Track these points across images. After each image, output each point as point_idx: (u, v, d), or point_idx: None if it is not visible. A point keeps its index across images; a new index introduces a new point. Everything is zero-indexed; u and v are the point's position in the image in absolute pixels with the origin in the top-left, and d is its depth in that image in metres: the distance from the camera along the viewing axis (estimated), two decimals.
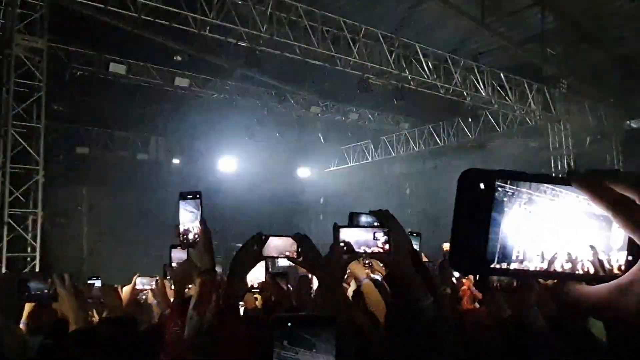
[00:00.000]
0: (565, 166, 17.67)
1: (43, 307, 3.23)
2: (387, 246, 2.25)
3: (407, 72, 14.63)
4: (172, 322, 2.50)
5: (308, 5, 12.98)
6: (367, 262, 3.79)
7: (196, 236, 2.44)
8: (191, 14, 11.60)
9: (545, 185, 0.69)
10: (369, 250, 2.28)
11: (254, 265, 2.61)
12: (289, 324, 1.17)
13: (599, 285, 0.66)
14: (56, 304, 2.51)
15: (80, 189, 15.39)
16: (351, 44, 13.61)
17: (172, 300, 2.85)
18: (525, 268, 0.68)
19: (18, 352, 2.83)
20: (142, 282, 4.52)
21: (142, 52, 14.77)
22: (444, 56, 15.20)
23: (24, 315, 3.74)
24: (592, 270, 0.69)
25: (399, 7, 13.79)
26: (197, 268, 2.36)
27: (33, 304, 3.29)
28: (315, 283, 3.90)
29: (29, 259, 11.23)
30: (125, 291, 4.04)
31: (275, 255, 2.64)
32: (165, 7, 11.30)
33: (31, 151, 11.42)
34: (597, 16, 14.29)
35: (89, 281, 4.62)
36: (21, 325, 3.66)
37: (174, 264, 3.23)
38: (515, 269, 0.68)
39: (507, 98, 16.47)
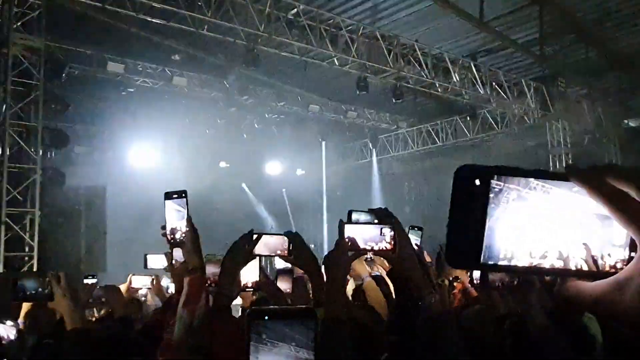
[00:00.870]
0: (564, 165, 17.66)
1: (41, 307, 3.22)
2: (392, 242, 2.23)
3: (406, 71, 14.63)
4: (172, 320, 2.49)
5: (306, 4, 12.97)
6: (369, 257, 3.77)
7: (183, 235, 2.43)
8: (189, 13, 11.58)
9: (536, 182, 0.68)
10: (375, 247, 2.27)
11: (245, 263, 2.59)
12: (266, 317, 1.16)
13: (597, 282, 0.66)
14: (52, 303, 2.50)
15: (78, 188, 15.33)
16: (349, 43, 13.60)
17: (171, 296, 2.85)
18: (515, 265, 0.67)
19: (17, 349, 2.83)
20: (139, 281, 4.51)
21: (139, 51, 14.75)
22: (442, 55, 15.21)
23: (21, 314, 3.73)
24: (585, 268, 0.68)
25: (398, 6, 13.77)
26: (185, 267, 2.35)
27: (30, 303, 3.28)
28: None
29: (26, 258, 11.21)
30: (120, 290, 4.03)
31: (266, 253, 2.63)
32: (163, 5, 11.27)
33: (29, 150, 11.40)
34: (596, 15, 14.29)
35: (85, 280, 4.62)
36: (19, 324, 3.65)
37: (174, 261, 3.23)
38: (505, 265, 0.67)
39: (505, 97, 16.48)
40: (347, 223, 2.39)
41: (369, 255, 3.63)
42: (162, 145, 19.72)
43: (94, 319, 4.85)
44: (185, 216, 2.45)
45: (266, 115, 18.46)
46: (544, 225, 0.68)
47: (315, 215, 23.99)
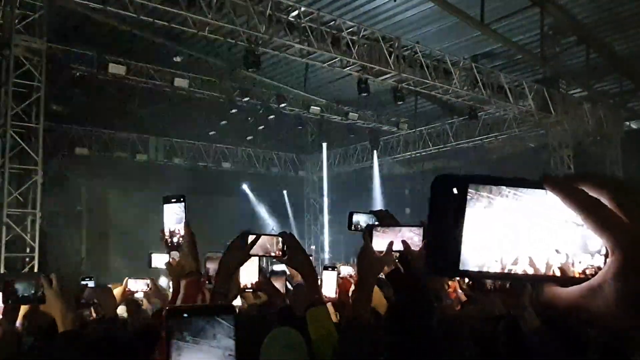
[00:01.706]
0: (566, 167, 17.66)
1: (37, 309, 3.23)
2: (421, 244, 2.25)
3: (407, 73, 14.63)
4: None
5: (307, 6, 12.99)
6: None
7: (181, 239, 2.46)
8: (190, 15, 11.61)
9: (508, 189, 0.69)
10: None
11: (241, 264, 2.61)
12: (185, 315, 1.17)
13: (571, 287, 0.67)
14: (44, 305, 2.52)
15: (79, 189, 15.39)
16: (350, 45, 13.62)
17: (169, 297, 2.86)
18: (489, 270, 0.69)
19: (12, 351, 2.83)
20: (135, 285, 4.51)
21: (141, 52, 14.78)
22: (443, 57, 15.21)
23: (19, 315, 3.74)
24: (557, 274, 0.69)
25: (399, 9, 13.78)
26: (181, 268, 2.37)
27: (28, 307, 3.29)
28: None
29: (27, 259, 11.24)
30: (115, 294, 4.04)
31: (260, 254, 2.64)
32: (164, 7, 11.30)
33: (30, 152, 11.43)
34: (596, 17, 14.29)
35: (82, 282, 4.62)
36: (17, 326, 3.66)
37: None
38: (478, 272, 0.69)
39: (506, 99, 16.47)
40: (374, 226, 2.41)
41: None
42: (164, 147, 19.77)
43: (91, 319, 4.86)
44: (184, 220, 2.48)
45: (267, 118, 18.46)
46: (516, 232, 0.69)
47: (317, 216, 24.01)
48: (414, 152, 21.44)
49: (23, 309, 3.46)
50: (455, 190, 0.68)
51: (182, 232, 2.47)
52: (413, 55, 14.75)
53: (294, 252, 2.64)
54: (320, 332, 2.42)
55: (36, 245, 11.23)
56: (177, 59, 15.23)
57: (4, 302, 2.58)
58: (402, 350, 2.23)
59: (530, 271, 0.69)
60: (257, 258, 3.07)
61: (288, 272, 4.35)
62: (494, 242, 0.69)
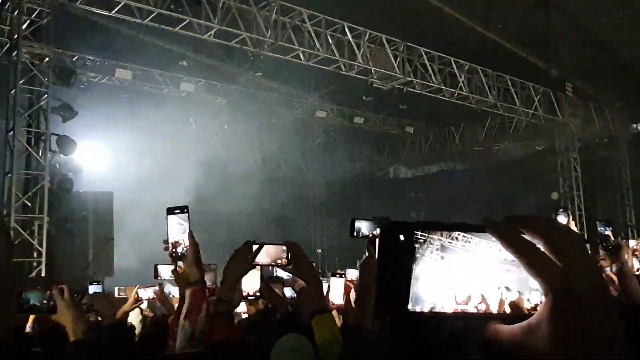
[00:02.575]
0: (573, 171, 17.60)
1: (44, 318, 3.24)
2: None
3: (412, 76, 14.63)
4: (175, 329, 2.51)
5: (312, 10, 13.01)
6: None
7: (185, 249, 2.48)
8: (196, 20, 11.66)
9: (458, 232, 0.73)
10: None
11: (245, 273, 2.63)
12: None
13: (513, 326, 0.70)
14: (55, 315, 2.53)
15: (85, 194, 15.39)
16: (355, 49, 13.62)
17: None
18: (441, 310, 0.72)
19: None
20: (144, 292, 4.51)
21: (147, 57, 14.84)
22: (448, 60, 15.19)
23: (29, 320, 3.75)
24: (507, 311, 0.73)
25: (404, 12, 13.78)
26: (185, 277, 2.39)
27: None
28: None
29: (34, 264, 11.27)
30: (124, 309, 4.07)
31: (266, 262, 2.66)
32: (169, 12, 11.35)
33: (37, 157, 11.47)
34: (603, 19, 14.26)
35: (90, 286, 4.64)
36: (28, 330, 3.67)
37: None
38: (431, 312, 0.72)
39: (512, 102, 16.44)
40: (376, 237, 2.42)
41: None
42: (171, 151, 19.81)
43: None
44: (187, 230, 2.51)
45: (273, 121, 18.49)
46: (467, 272, 0.73)
47: (323, 221, 24.00)
48: (420, 155, 21.42)
49: (32, 317, 3.47)
50: (402, 237, 0.72)
51: (186, 243, 2.50)
52: (418, 59, 14.74)
53: (298, 260, 2.66)
54: (325, 339, 2.43)
55: (43, 250, 11.26)
56: (184, 63, 15.29)
57: (17, 311, 2.60)
58: (406, 357, 2.22)
59: (483, 308, 0.73)
60: (258, 267, 3.08)
61: (286, 277, 4.36)
62: (447, 281, 0.73)
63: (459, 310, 0.73)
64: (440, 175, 21.62)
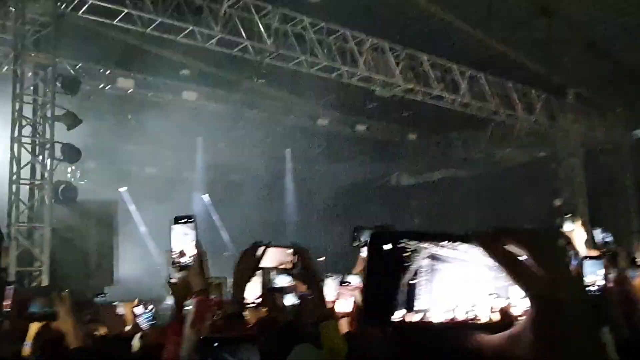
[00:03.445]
0: (576, 177, 17.56)
1: (49, 329, 3.22)
2: None
3: (414, 83, 14.64)
4: (171, 339, 2.49)
5: (313, 17, 13.05)
6: None
7: (189, 259, 2.45)
8: (198, 28, 11.71)
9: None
10: None
11: (253, 274, 2.60)
12: (215, 344, 1.20)
13: (494, 335, 0.72)
14: (56, 322, 2.52)
15: (88, 203, 15.41)
16: (357, 56, 13.65)
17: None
18: (430, 319, 0.73)
19: None
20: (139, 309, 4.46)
21: (149, 66, 14.89)
22: (450, 67, 15.20)
23: (29, 335, 3.73)
24: (495, 318, 0.75)
25: (405, 20, 13.81)
26: (189, 289, 2.38)
27: (40, 324, 3.28)
28: None
29: (37, 273, 11.26)
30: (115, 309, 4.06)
31: (271, 265, 2.62)
32: (172, 21, 11.40)
33: (40, 165, 11.49)
34: (603, 25, 14.27)
35: (95, 299, 4.61)
36: (26, 346, 3.65)
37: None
38: (420, 321, 0.72)
39: (514, 108, 16.43)
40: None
41: None
42: (173, 160, 19.84)
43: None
44: (194, 240, 2.47)
45: (276, 129, 18.52)
46: (457, 279, 0.74)
47: (325, 228, 23.94)
48: (422, 162, 21.39)
49: (34, 328, 3.45)
50: (388, 246, 0.72)
51: (192, 252, 2.47)
52: (420, 66, 14.76)
53: (306, 266, 2.63)
54: (332, 345, 2.42)
55: (46, 259, 11.26)
56: (185, 72, 15.33)
57: (17, 318, 2.59)
58: None
59: (471, 315, 0.74)
60: (260, 272, 3.06)
61: (286, 284, 4.34)
62: (437, 289, 0.73)
63: (449, 318, 0.73)
64: (443, 182, 21.57)
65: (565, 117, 17.06)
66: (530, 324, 0.68)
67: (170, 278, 3.04)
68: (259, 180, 21.68)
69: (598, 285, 2.91)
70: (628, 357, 2.24)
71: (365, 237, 2.85)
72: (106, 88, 15.03)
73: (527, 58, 15.43)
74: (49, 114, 11.59)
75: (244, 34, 12.12)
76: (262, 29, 12.25)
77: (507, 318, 0.74)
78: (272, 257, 2.60)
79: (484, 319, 0.74)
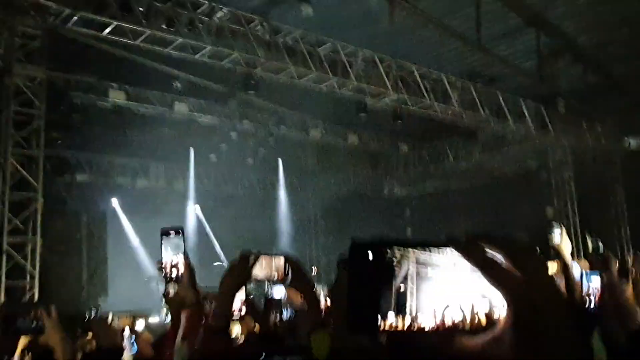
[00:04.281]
0: (567, 187, 17.65)
1: (37, 344, 3.19)
2: None
3: (405, 93, 14.69)
4: (168, 352, 2.48)
5: (304, 29, 13.09)
6: None
7: (180, 271, 2.44)
8: (189, 40, 11.71)
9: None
10: None
11: (242, 285, 2.55)
12: (264, 355, 1.18)
13: (477, 337, 0.73)
14: (43, 336, 2.50)
15: (79, 215, 15.37)
16: (348, 67, 13.69)
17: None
18: (420, 324, 0.74)
19: None
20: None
21: (140, 78, 14.88)
22: (440, 77, 15.27)
23: (17, 351, 3.69)
24: (483, 319, 0.77)
25: (395, 29, 13.88)
26: (182, 301, 2.36)
27: (28, 339, 3.25)
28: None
29: (28, 287, 11.17)
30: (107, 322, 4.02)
31: (261, 276, 2.58)
32: (163, 34, 11.40)
33: (30, 179, 11.43)
34: (592, 35, 14.39)
35: (87, 312, 4.57)
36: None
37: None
38: (408, 328, 0.73)
39: (504, 118, 16.50)
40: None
41: None
42: (165, 172, 19.79)
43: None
44: (182, 252, 2.46)
45: (268, 140, 18.53)
46: (444, 283, 0.75)
47: (317, 239, 23.93)
48: (414, 172, 21.44)
49: (22, 342, 3.42)
50: (371, 255, 0.73)
51: (181, 264, 2.46)
52: (410, 76, 14.81)
53: (297, 275, 2.59)
54: (324, 356, 2.39)
55: (36, 273, 11.17)
56: (177, 84, 15.32)
57: (3, 333, 2.56)
58: None
59: (459, 317, 0.76)
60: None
61: (278, 298, 4.31)
62: (426, 292, 0.75)
63: (438, 323, 0.74)
64: (435, 192, 21.62)
65: (555, 127, 17.14)
66: (509, 325, 0.69)
67: (166, 291, 3.02)
68: (251, 192, 21.69)
69: (595, 295, 2.93)
70: None
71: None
72: (97, 100, 14.98)
73: (517, 68, 15.52)
74: (38, 127, 11.54)
75: (235, 46, 12.14)
76: (253, 41, 12.27)
77: (492, 321, 0.75)
78: (262, 267, 2.56)
79: (470, 322, 0.75)
